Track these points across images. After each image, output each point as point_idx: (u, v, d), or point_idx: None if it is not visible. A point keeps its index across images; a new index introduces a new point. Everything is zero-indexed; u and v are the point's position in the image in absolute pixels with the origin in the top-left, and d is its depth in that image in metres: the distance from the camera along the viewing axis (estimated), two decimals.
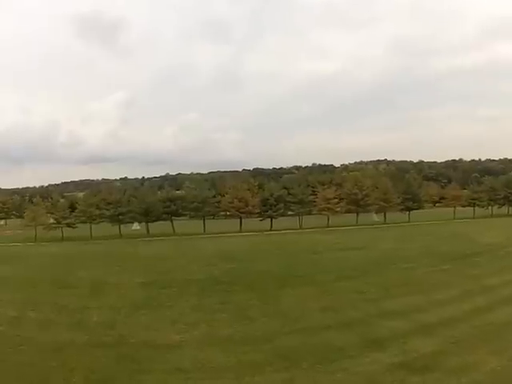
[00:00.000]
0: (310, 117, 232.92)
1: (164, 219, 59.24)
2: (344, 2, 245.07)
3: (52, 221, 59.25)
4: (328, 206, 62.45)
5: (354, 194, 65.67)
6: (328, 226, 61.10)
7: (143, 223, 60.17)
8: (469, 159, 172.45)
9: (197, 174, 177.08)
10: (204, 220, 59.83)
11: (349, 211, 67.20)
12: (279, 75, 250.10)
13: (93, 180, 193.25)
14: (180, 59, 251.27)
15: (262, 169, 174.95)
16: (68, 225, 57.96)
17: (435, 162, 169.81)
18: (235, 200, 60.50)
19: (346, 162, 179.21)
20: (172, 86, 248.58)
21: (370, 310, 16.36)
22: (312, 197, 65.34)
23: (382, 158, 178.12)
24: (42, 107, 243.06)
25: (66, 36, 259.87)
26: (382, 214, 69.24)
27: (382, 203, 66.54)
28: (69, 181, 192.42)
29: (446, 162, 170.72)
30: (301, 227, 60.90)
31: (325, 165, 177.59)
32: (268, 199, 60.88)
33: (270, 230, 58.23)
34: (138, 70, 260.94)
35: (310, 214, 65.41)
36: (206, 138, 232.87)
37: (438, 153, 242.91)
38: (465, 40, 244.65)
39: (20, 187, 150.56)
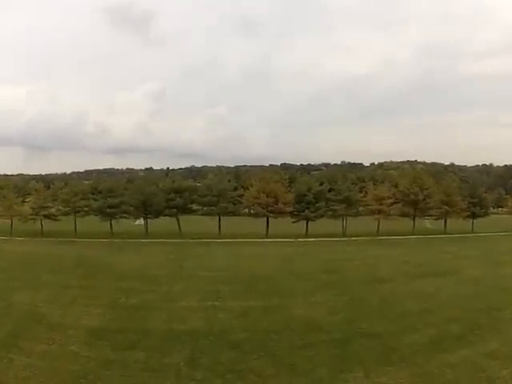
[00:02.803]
0: (338, 115, 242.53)
1: (168, 215, 50.89)
2: (373, 3, 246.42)
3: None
4: (381, 207, 52.98)
5: (413, 193, 55.84)
6: (379, 234, 51.90)
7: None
8: (500, 164, 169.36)
9: (222, 167, 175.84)
10: (220, 218, 51.15)
11: (403, 214, 57.75)
12: (308, 73, 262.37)
13: (117, 169, 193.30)
14: (210, 53, 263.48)
15: (290, 164, 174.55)
16: (46, 216, 50.64)
17: (465, 166, 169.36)
18: (262, 194, 51.36)
19: (375, 162, 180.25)
20: (201, 80, 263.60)
21: None
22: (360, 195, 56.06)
23: (412, 159, 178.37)
24: (70, 95, 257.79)
25: (98, 24, 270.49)
26: (436, 220, 60.44)
27: (445, 207, 56.94)
28: (92, 169, 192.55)
29: (476, 166, 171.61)
30: (344, 234, 51.77)
31: (354, 163, 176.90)
32: (305, 195, 51.24)
33: (306, 235, 49.31)
34: (168, 62, 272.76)
35: (356, 216, 56.06)
36: (234, 133, 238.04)
37: (465, 156, 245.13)
38: (493, 44, 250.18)
39: (43, 174, 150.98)
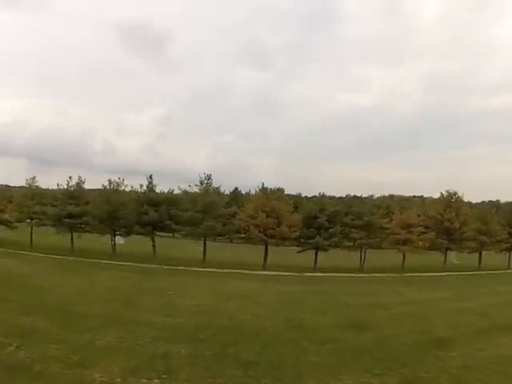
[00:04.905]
0: (344, 148, 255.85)
1: (141, 233, 43.56)
2: (382, 37, 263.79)
3: None
4: (408, 236, 45.65)
5: (448, 220, 48.75)
6: (404, 270, 44.64)
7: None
8: (508, 199, 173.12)
9: (227, 195, 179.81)
10: (205, 241, 43.64)
11: (433, 246, 50.80)
12: (315, 105, 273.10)
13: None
14: (219, 80, 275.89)
15: (295, 195, 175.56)
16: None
17: (470, 203, 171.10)
18: (261, 213, 43.70)
19: (382, 196, 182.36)
20: (209, 106, 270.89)
21: None
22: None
23: (418, 195, 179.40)
24: (78, 114, 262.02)
25: (111, 44, 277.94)
26: (470, 253, 54.19)
27: (482, 237, 50.16)
28: (95, 188, 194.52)
29: (483, 202, 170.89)
30: (362, 268, 44.38)
31: (361, 196, 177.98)
32: (316, 217, 43.74)
33: (314, 268, 41.84)
34: (178, 87, 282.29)
35: (379, 246, 49.03)
36: (239, 162, 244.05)
37: (472, 192, 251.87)
38: (500, 80, 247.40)
39: (45, 188, 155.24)
